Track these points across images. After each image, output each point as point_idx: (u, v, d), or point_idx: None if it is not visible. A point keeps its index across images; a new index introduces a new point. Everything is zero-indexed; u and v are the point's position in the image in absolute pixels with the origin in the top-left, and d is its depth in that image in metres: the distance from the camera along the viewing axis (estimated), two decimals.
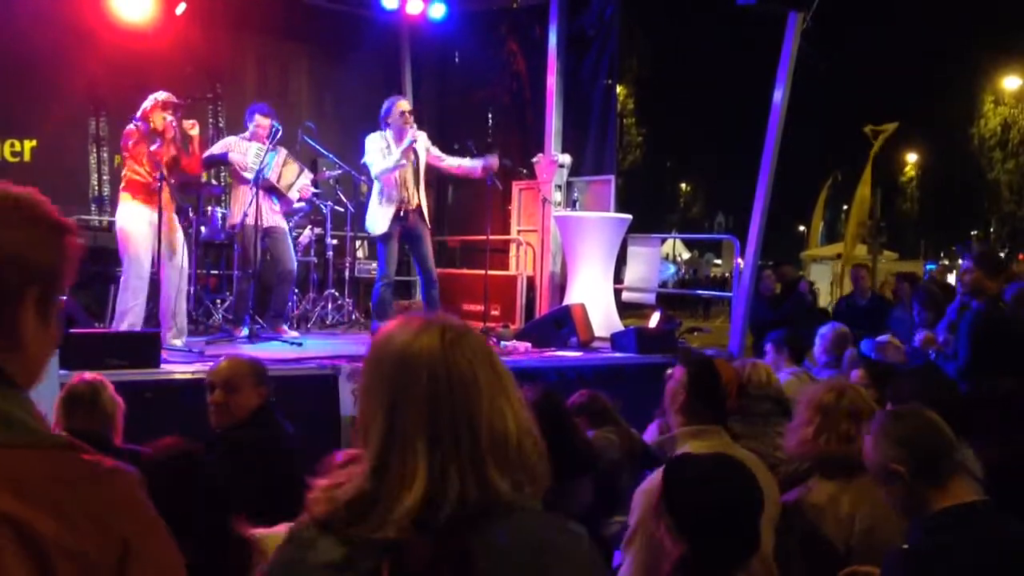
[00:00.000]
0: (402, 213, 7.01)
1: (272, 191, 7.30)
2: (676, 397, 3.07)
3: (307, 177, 7.68)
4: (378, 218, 7.06)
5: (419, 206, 7.12)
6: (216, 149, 7.51)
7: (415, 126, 7.08)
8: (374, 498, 1.30)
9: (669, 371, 3.23)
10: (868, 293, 9.00)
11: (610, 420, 4.53)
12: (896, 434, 2.44)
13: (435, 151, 7.34)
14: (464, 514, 1.29)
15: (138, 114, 6.45)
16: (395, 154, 6.95)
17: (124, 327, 6.06)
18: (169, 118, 6.40)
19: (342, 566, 1.28)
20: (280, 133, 7.15)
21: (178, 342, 6.22)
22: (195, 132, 6.55)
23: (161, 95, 6.47)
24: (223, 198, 8.86)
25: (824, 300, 24.69)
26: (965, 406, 3.76)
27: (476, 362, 1.37)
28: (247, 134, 7.34)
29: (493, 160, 7.39)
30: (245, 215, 7.04)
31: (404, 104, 7.20)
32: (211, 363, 3.88)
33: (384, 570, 1.26)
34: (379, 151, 7.01)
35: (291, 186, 7.39)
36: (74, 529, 1.08)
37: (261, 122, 7.27)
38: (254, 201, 6.95)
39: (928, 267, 22.22)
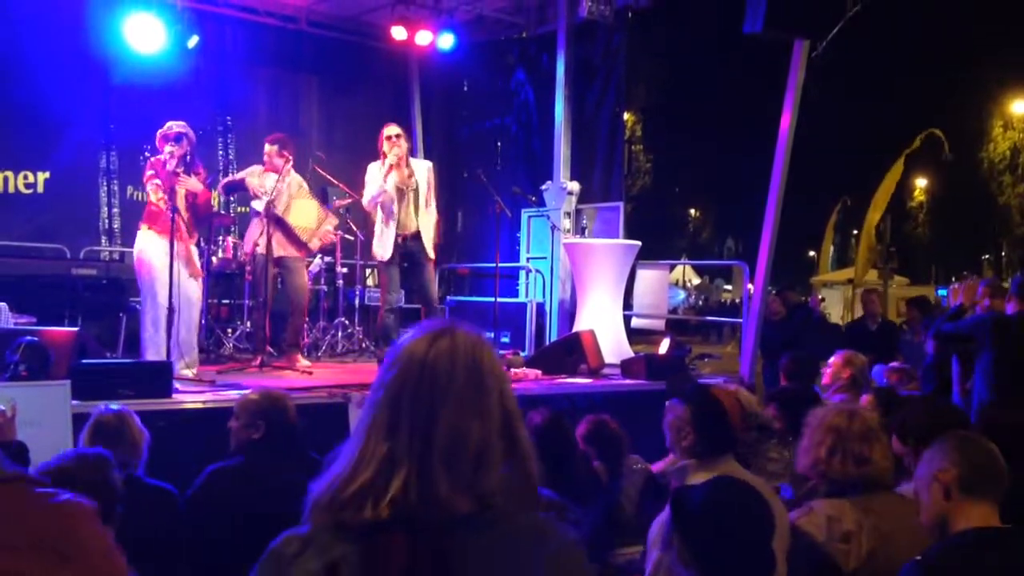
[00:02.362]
0: (400, 240, 7.02)
1: (283, 222, 7.25)
2: (682, 434, 3.02)
3: (331, 223, 7.60)
4: (382, 241, 7.05)
5: (418, 232, 7.07)
6: (238, 175, 7.58)
7: (397, 149, 6.95)
8: (338, 487, 1.34)
9: (668, 403, 3.18)
10: (878, 318, 8.97)
11: (619, 449, 4.51)
12: (953, 448, 2.47)
13: (430, 195, 7.19)
14: (428, 517, 1.31)
15: (158, 143, 6.50)
16: (379, 180, 6.96)
17: (150, 357, 6.08)
18: (175, 151, 6.46)
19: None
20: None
21: (189, 372, 6.23)
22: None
23: (177, 125, 6.51)
24: (233, 228, 8.91)
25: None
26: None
27: (456, 367, 1.39)
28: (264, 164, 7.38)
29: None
30: (256, 245, 7.07)
31: (388, 129, 7.11)
32: (222, 392, 3.90)
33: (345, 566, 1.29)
34: (373, 180, 7.04)
35: (307, 230, 7.27)
36: (17, 556, 1.10)
37: (267, 150, 7.29)
38: (265, 231, 6.97)
39: (940, 292, 22.11)
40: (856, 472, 2.93)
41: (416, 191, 7.08)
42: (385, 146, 7.01)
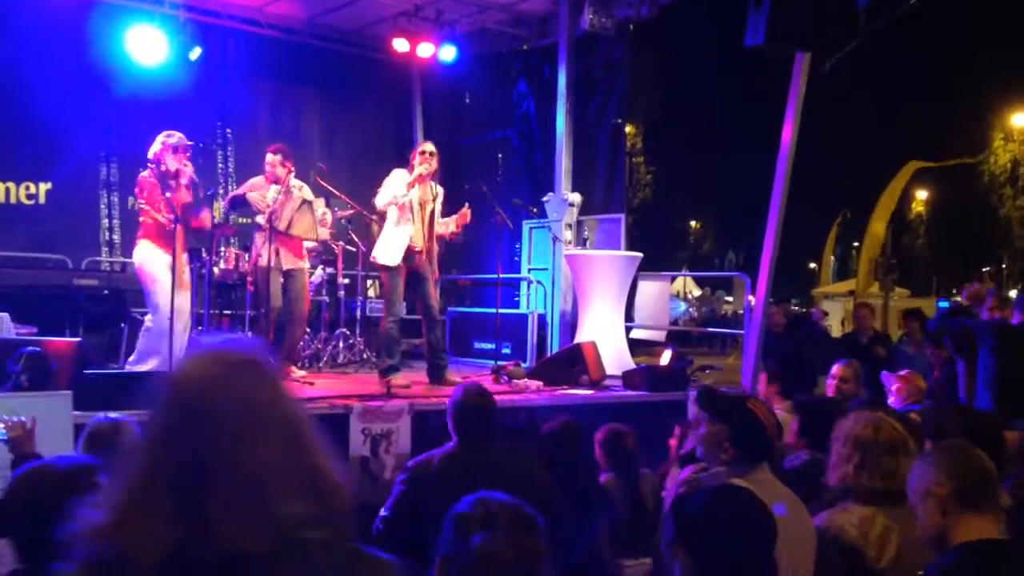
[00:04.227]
0: (410, 252, 6.98)
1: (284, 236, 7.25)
2: (721, 448, 2.95)
3: (323, 208, 7.58)
4: (389, 247, 6.98)
5: (427, 250, 7.07)
6: (240, 189, 7.54)
7: (427, 165, 6.99)
8: (112, 533, 1.23)
9: (694, 413, 3.14)
10: (870, 331, 9.04)
11: (634, 461, 4.53)
12: (945, 461, 2.47)
13: (440, 212, 7.27)
14: (212, 557, 1.20)
15: (149, 156, 6.49)
16: (401, 186, 6.97)
17: (150, 367, 6.07)
18: (187, 165, 6.48)
19: None
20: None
21: None
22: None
23: (172, 137, 6.51)
24: (233, 240, 8.91)
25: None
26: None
27: (228, 397, 1.28)
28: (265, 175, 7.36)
29: (462, 217, 7.33)
30: (259, 256, 7.07)
31: (425, 145, 7.17)
32: None
33: None
34: (395, 184, 7.02)
35: (309, 230, 7.35)
36: None
37: (270, 160, 7.26)
38: (268, 245, 6.97)
39: (940, 304, 22.10)
40: (882, 486, 2.94)
41: (433, 211, 7.09)
42: (418, 159, 7.01)
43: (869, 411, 3.27)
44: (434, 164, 7.05)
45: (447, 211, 7.38)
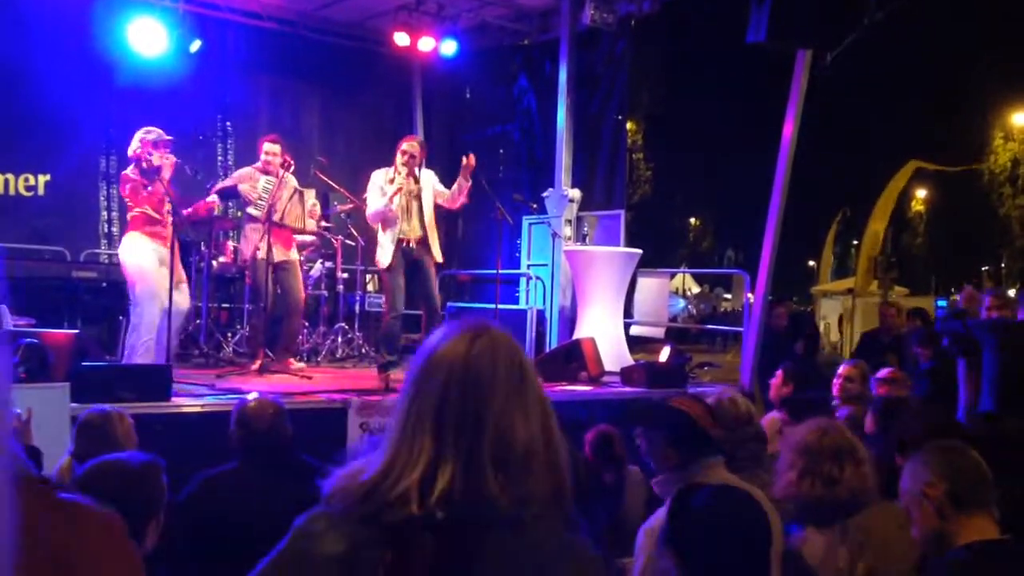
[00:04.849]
0: (405, 245, 6.97)
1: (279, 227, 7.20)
2: (666, 456, 2.87)
3: (311, 198, 7.49)
4: (383, 248, 6.97)
5: (423, 238, 6.99)
6: (229, 180, 7.46)
7: (413, 168, 6.91)
8: (380, 482, 1.34)
9: (638, 437, 3.08)
10: (893, 331, 8.92)
11: (620, 462, 4.51)
12: (937, 462, 2.45)
13: (440, 188, 7.14)
14: (467, 515, 1.31)
15: (129, 154, 6.51)
16: (388, 193, 6.91)
17: (143, 361, 6.07)
18: (168, 158, 6.48)
19: (345, 559, 1.31)
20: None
21: None
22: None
23: (151, 133, 6.51)
24: (231, 233, 8.88)
25: (834, 335, 24.60)
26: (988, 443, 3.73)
27: (499, 366, 1.39)
28: (259, 164, 7.29)
29: (467, 165, 7.09)
30: (256, 249, 7.04)
31: (407, 144, 7.00)
32: (221, 396, 3.88)
33: (383, 564, 1.29)
34: (378, 188, 6.96)
35: (300, 218, 7.27)
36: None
37: (270, 149, 7.20)
38: (265, 236, 6.95)
39: (939, 303, 22.08)
40: (824, 494, 2.84)
41: (420, 199, 7.03)
42: (399, 159, 6.91)
43: (822, 418, 3.20)
44: (419, 157, 6.96)
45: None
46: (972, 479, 2.42)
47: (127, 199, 6.54)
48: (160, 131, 6.57)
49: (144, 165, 6.41)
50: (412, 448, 1.36)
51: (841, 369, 5.52)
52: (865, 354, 7.66)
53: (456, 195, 7.10)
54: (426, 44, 9.91)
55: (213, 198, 7.23)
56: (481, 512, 1.31)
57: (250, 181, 7.17)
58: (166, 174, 6.51)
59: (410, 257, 6.99)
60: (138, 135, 6.53)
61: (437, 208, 7.18)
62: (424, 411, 1.38)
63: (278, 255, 7.11)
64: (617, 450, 4.48)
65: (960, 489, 2.39)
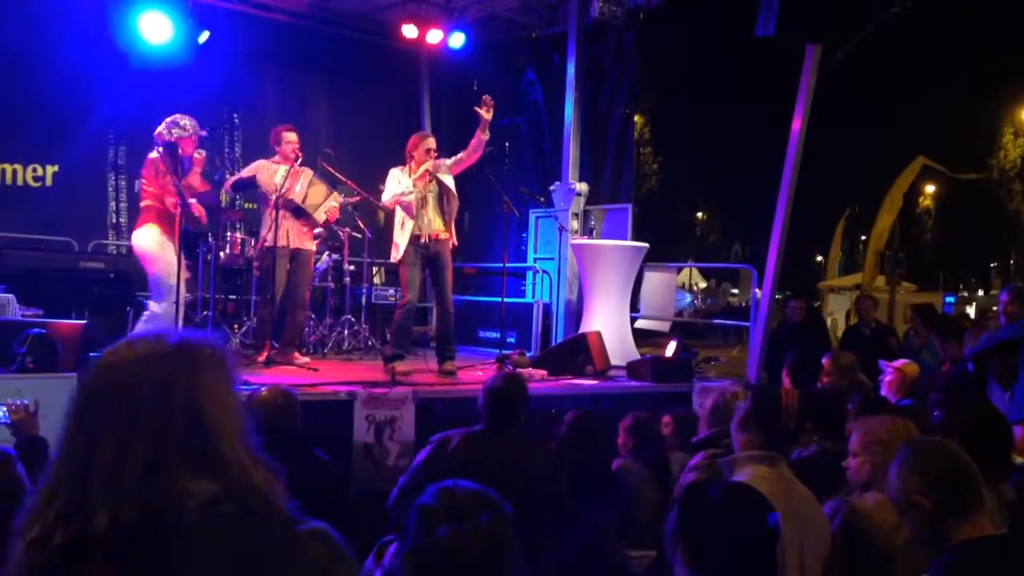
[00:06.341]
0: (422, 240, 6.99)
1: (298, 211, 7.22)
2: (742, 424, 3.02)
3: (336, 200, 7.58)
4: (395, 243, 7.03)
5: (438, 235, 7.02)
6: (245, 172, 7.45)
7: (432, 163, 6.96)
8: (35, 515, 1.30)
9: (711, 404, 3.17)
10: (872, 324, 9.08)
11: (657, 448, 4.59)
12: (920, 465, 2.43)
13: (450, 162, 7.13)
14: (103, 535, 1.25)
15: (167, 138, 6.45)
16: (407, 183, 6.93)
17: None
18: (201, 153, 6.49)
19: None
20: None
21: None
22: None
23: (189, 125, 6.49)
24: (239, 225, 8.89)
25: (841, 330, 24.54)
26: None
27: (125, 384, 1.33)
28: (276, 156, 7.29)
29: (483, 118, 7.16)
30: (265, 240, 7.05)
31: (429, 142, 7.07)
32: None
33: None
34: (396, 183, 7.01)
35: (318, 207, 7.29)
36: None
37: (290, 138, 7.20)
38: (275, 223, 6.95)
39: (947, 299, 22.03)
40: None
41: (437, 194, 7.05)
42: (424, 154, 6.94)
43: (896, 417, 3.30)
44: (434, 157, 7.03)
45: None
46: (959, 484, 2.40)
47: (144, 182, 6.49)
48: (194, 123, 6.54)
49: (179, 152, 6.41)
50: (55, 476, 1.33)
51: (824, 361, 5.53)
52: (848, 348, 7.70)
53: (473, 150, 7.12)
54: (434, 36, 9.89)
55: (225, 190, 7.25)
56: (106, 528, 1.26)
57: (267, 172, 7.18)
58: (197, 168, 6.51)
59: (426, 252, 6.99)
60: (184, 122, 6.49)
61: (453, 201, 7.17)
62: (65, 435, 1.35)
63: (295, 242, 7.12)
64: (649, 435, 4.58)
65: (950, 497, 2.38)
